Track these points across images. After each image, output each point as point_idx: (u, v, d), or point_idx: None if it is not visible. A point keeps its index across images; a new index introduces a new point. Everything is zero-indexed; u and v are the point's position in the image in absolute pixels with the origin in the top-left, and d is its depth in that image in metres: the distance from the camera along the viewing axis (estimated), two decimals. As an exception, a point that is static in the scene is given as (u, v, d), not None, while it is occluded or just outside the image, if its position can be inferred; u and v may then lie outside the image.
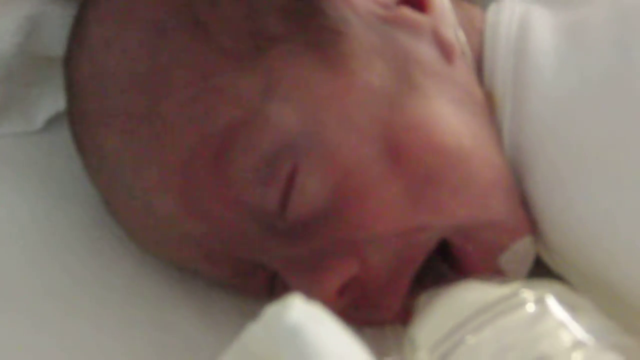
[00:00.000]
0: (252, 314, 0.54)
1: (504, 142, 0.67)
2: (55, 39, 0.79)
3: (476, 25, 0.72)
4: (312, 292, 0.62)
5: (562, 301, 0.59)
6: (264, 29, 0.65)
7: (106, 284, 0.73)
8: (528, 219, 0.67)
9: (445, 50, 0.68)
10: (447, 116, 0.66)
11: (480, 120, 0.68)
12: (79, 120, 0.72)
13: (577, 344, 0.56)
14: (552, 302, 0.59)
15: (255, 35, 0.65)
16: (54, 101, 0.82)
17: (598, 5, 0.69)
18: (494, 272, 0.66)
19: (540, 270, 0.69)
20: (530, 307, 0.58)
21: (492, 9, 0.72)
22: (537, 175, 0.66)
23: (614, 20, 0.68)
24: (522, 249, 0.67)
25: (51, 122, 0.83)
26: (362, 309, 0.67)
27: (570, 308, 0.59)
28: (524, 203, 0.67)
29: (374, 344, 0.57)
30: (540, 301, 0.59)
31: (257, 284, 0.69)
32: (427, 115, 0.65)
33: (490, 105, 0.69)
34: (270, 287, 0.69)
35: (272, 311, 0.52)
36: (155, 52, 0.66)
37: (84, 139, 0.72)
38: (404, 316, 0.65)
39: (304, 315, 0.51)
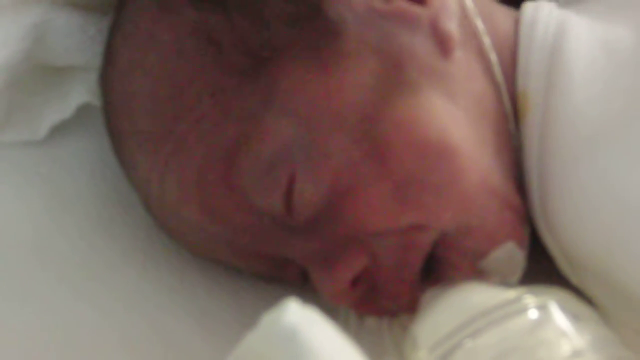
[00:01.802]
0: (251, 324, 0.54)
1: (532, 141, 0.68)
2: (61, 47, 0.80)
3: (498, 21, 0.72)
4: (328, 284, 0.67)
5: (565, 309, 0.59)
6: (269, 39, 0.67)
7: (107, 293, 0.73)
8: (515, 223, 0.68)
9: (442, 43, 0.68)
10: (435, 112, 0.66)
11: (476, 116, 0.68)
12: (115, 136, 0.75)
13: (576, 354, 0.57)
14: (554, 310, 0.59)
15: (261, 48, 0.67)
16: (58, 110, 0.83)
17: (628, 24, 0.70)
18: (478, 276, 0.66)
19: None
20: (533, 314, 0.59)
21: (528, 7, 0.72)
22: (560, 177, 0.66)
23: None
24: (503, 256, 0.67)
25: (55, 131, 0.83)
26: (375, 299, 0.68)
27: (573, 317, 0.59)
28: (543, 205, 0.67)
29: (372, 346, 0.58)
30: (543, 308, 0.59)
31: (290, 275, 0.72)
32: (413, 111, 0.66)
33: (521, 104, 0.69)
34: (303, 277, 0.71)
35: (268, 317, 0.53)
36: (174, 74, 0.69)
37: (120, 154, 0.75)
38: (415, 309, 0.67)
39: (300, 318, 0.52)
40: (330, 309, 0.61)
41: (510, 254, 0.67)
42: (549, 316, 0.58)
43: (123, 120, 0.73)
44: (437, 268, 0.67)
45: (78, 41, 0.80)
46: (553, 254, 0.69)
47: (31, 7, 0.79)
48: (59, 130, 0.83)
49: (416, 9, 0.68)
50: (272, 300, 0.57)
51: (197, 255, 0.75)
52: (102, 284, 0.74)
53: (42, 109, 0.83)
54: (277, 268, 0.71)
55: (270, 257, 0.70)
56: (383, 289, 0.68)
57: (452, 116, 0.67)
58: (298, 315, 0.52)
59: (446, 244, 0.66)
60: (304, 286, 0.71)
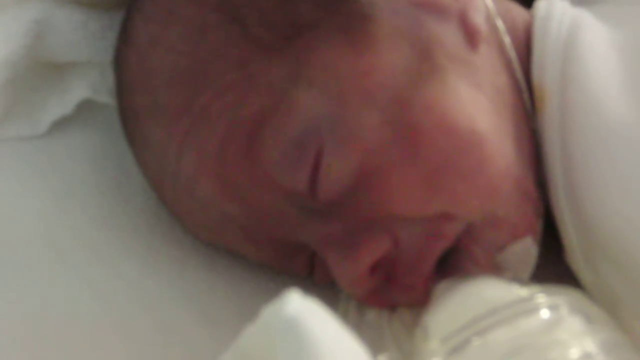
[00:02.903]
0: (252, 316, 0.54)
1: (552, 130, 0.68)
2: (62, 43, 0.80)
3: (516, 18, 0.74)
4: (347, 269, 0.66)
5: (577, 310, 0.59)
6: (296, 17, 0.67)
7: (108, 285, 0.73)
8: (533, 218, 0.69)
9: (469, 35, 0.70)
10: (463, 99, 0.67)
11: (499, 107, 0.69)
12: (128, 115, 0.75)
13: (586, 356, 0.56)
14: (566, 310, 0.59)
15: (288, 24, 0.67)
16: (59, 106, 0.83)
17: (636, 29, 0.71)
18: (493, 270, 0.67)
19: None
20: (545, 313, 0.58)
21: (541, 4, 0.74)
22: (580, 169, 0.67)
23: None
24: (521, 250, 0.67)
25: (55, 126, 0.83)
26: (390, 289, 0.68)
27: (585, 318, 0.59)
28: (569, 189, 0.67)
29: (371, 341, 0.58)
30: (555, 308, 0.59)
31: (298, 264, 0.71)
32: (443, 97, 0.66)
33: (538, 97, 0.70)
34: (310, 267, 0.71)
35: (269, 308, 0.53)
36: (196, 48, 0.69)
37: (134, 133, 0.74)
38: (425, 302, 0.67)
39: (301, 309, 0.52)
40: (329, 303, 0.60)
41: (527, 248, 0.68)
42: (561, 317, 0.58)
43: (141, 96, 0.72)
44: (452, 260, 0.67)
45: (79, 37, 0.80)
46: (569, 246, 0.69)
47: (33, 3, 0.80)
48: (60, 125, 0.83)
49: (447, 0, 0.70)
50: (273, 292, 0.57)
51: (204, 240, 0.74)
52: (102, 275, 0.74)
53: (43, 105, 0.83)
54: (285, 255, 0.71)
55: (282, 243, 0.70)
56: (399, 279, 0.67)
57: (478, 104, 0.67)
58: (299, 306, 0.52)
59: (470, 234, 0.66)
60: (308, 278, 0.71)
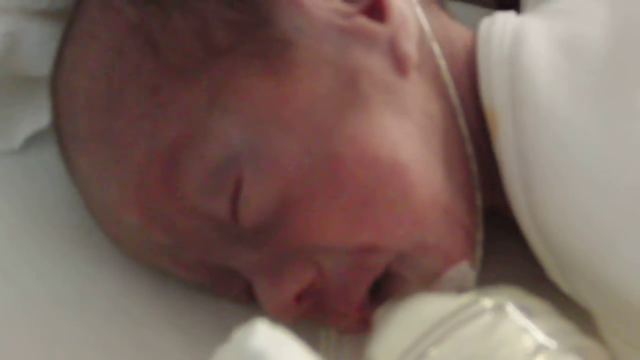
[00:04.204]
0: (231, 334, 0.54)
1: (507, 157, 0.67)
2: (34, 57, 0.80)
3: (454, 40, 0.72)
4: (272, 297, 0.65)
5: (520, 306, 0.60)
6: (211, 42, 0.66)
7: (86, 304, 0.73)
8: (467, 243, 0.68)
9: (399, 62, 0.68)
10: (386, 129, 0.66)
11: (428, 135, 0.67)
12: (59, 138, 0.74)
13: (539, 348, 0.57)
14: (510, 308, 0.59)
15: (203, 50, 0.66)
16: (33, 120, 0.82)
17: (594, 20, 0.69)
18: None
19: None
20: (490, 314, 0.59)
21: (484, 23, 0.72)
22: (545, 185, 0.65)
23: (609, 37, 0.68)
24: (457, 276, 0.67)
25: (30, 141, 0.82)
26: (324, 315, 0.68)
27: (529, 312, 0.60)
28: (533, 215, 0.66)
29: (354, 358, 0.58)
30: (499, 308, 0.59)
31: (235, 290, 0.70)
32: (365, 127, 0.65)
33: (490, 120, 0.68)
34: (249, 291, 0.70)
35: (237, 336, 0.53)
36: (112, 73, 0.68)
37: (64, 157, 0.74)
38: (367, 327, 0.66)
39: (268, 340, 0.52)
40: (312, 325, 0.62)
41: (464, 273, 0.67)
42: (506, 315, 0.59)
43: (65, 121, 0.71)
44: (387, 285, 0.66)
45: (50, 50, 0.78)
46: (544, 263, 0.68)
47: (2, 16, 0.79)
48: (34, 140, 0.82)
49: (375, 27, 0.68)
50: (253, 313, 0.58)
51: (142, 264, 0.73)
52: (81, 294, 0.74)
53: (17, 120, 0.82)
54: (220, 281, 0.70)
55: (214, 268, 0.68)
56: (329, 307, 0.67)
57: (403, 133, 0.66)
58: (266, 338, 0.52)
59: (402, 262, 0.66)
60: (249, 303, 0.70)
